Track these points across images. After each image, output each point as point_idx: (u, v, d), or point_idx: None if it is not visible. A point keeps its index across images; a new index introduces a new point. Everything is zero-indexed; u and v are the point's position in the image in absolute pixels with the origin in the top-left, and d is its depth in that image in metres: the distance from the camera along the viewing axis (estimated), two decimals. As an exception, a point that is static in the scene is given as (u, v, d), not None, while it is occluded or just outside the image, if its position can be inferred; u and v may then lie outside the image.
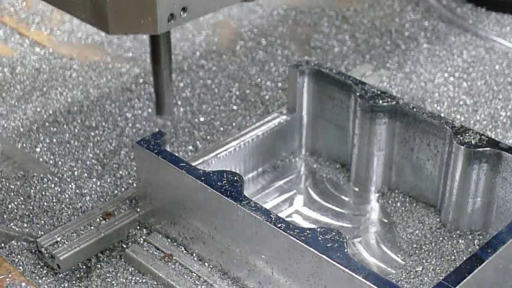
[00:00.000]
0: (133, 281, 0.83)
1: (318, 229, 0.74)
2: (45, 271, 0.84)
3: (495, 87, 1.12)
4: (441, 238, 0.88)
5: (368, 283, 0.70)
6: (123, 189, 0.94)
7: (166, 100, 0.84)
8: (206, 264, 0.84)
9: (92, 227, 0.86)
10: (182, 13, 0.70)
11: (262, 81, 1.13)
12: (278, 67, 1.16)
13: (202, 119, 1.05)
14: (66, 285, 0.83)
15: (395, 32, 1.25)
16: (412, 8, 1.31)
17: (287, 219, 0.76)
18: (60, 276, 0.83)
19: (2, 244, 0.86)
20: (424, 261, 0.85)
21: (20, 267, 0.84)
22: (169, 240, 0.87)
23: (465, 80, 1.14)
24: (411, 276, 0.84)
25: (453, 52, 1.20)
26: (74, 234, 0.85)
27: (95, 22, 0.71)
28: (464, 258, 0.73)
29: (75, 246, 0.83)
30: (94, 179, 0.96)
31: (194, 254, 0.85)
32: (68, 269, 0.83)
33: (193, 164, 0.84)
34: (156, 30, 0.70)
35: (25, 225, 0.89)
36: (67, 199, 0.93)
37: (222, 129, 1.04)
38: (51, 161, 0.98)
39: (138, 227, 0.88)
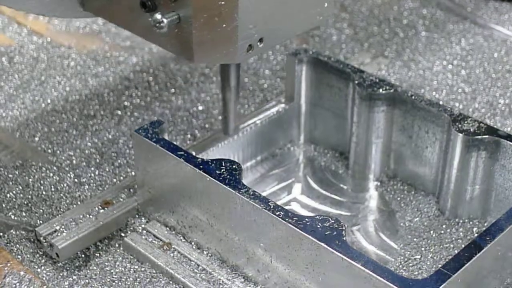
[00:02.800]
0: (132, 269, 0.84)
1: (317, 217, 0.74)
2: (44, 260, 0.84)
3: (493, 74, 1.12)
4: (439, 226, 0.88)
5: (367, 270, 0.70)
6: (121, 178, 0.94)
7: (232, 123, 0.88)
8: (205, 252, 0.84)
9: (91, 216, 0.86)
10: (259, 43, 0.75)
11: (260, 69, 1.13)
12: (276, 55, 1.16)
13: (200, 107, 1.06)
14: (65, 273, 0.83)
15: (394, 20, 1.25)
16: (406, 2, 1.31)
17: (285, 207, 0.76)
18: (59, 265, 0.83)
19: (1, 233, 0.87)
20: (422, 249, 0.86)
21: (19, 256, 0.84)
22: (167, 228, 0.87)
23: (464, 68, 1.14)
24: (410, 264, 0.84)
25: (452, 40, 1.20)
26: (73, 223, 0.85)
27: (179, 52, 0.76)
28: (463, 246, 0.73)
29: (74, 235, 0.84)
30: (92, 168, 0.96)
31: (192, 243, 0.85)
32: (67, 258, 0.84)
33: (192, 152, 0.84)
34: (236, 59, 0.75)
35: (24, 214, 0.89)
36: (66, 188, 0.93)
37: (220, 117, 1.04)
38: (49, 150, 0.98)
39: (137, 216, 0.88)
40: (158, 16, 0.72)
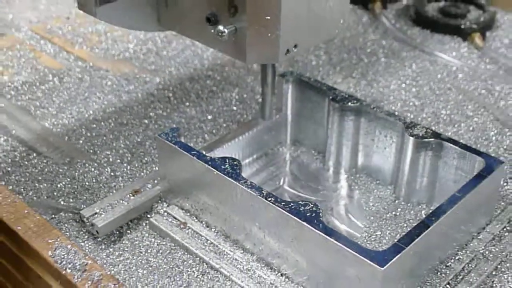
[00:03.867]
0: (155, 243, 0.83)
1: (300, 202, 0.74)
2: (86, 236, 0.84)
3: (437, 91, 1.12)
4: (395, 209, 0.88)
5: (339, 244, 0.70)
6: (148, 172, 0.94)
7: (268, 110, 0.90)
8: (212, 230, 0.84)
9: (124, 202, 0.85)
10: (294, 48, 0.76)
11: (256, 87, 1.12)
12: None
13: (209, 117, 1.05)
14: (103, 246, 0.83)
15: (359, 49, 1.24)
16: (372, 31, 1.31)
17: (275, 194, 0.76)
18: (98, 240, 0.83)
19: (53, 215, 0.86)
20: (382, 227, 0.85)
21: (67, 233, 0.84)
22: (183, 211, 0.87)
23: (414, 86, 1.14)
24: (372, 239, 0.84)
25: (405, 64, 1.20)
26: (109, 207, 0.84)
27: (235, 55, 0.79)
28: (414, 225, 0.73)
29: (110, 216, 0.83)
30: (125, 164, 0.95)
31: (203, 222, 0.85)
32: (105, 234, 0.83)
33: (202, 152, 0.83)
34: (278, 60, 0.77)
35: (71, 200, 0.89)
36: (104, 180, 0.92)
37: (225, 125, 1.04)
38: (91, 150, 0.98)
39: (159, 201, 0.88)
40: (221, 27, 0.74)
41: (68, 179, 0.93)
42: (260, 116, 0.91)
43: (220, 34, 0.74)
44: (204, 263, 0.80)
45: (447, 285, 0.77)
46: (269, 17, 0.72)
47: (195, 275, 0.79)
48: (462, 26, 1.27)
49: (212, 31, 0.75)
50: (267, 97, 0.87)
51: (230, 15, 0.74)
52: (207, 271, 0.79)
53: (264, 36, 0.73)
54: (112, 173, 0.94)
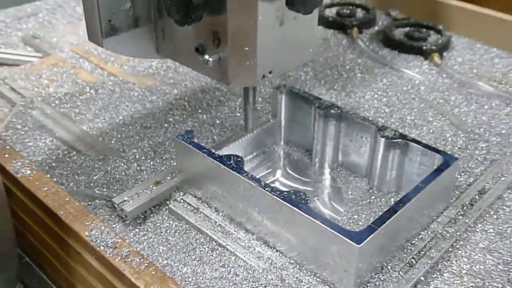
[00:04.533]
0: (173, 225, 0.83)
1: (291, 191, 0.74)
2: (117, 219, 0.83)
3: (403, 101, 1.12)
4: (369, 197, 0.88)
5: (323, 225, 0.70)
6: (167, 166, 0.94)
7: (250, 125, 0.87)
8: (220, 214, 0.84)
9: (147, 191, 0.85)
10: (269, 74, 0.75)
11: (256, 97, 1.12)
12: (266, 88, 1.15)
13: (217, 121, 1.05)
14: (130, 228, 0.82)
15: (340, 66, 1.24)
16: (350, 51, 1.31)
17: (271, 185, 0.76)
18: (126, 222, 0.83)
19: (90, 202, 0.86)
20: (359, 212, 0.85)
21: (101, 217, 0.83)
22: (196, 199, 0.87)
23: (384, 97, 1.14)
24: (351, 222, 0.84)
25: (377, 79, 1.20)
26: (136, 195, 0.84)
27: (219, 79, 0.77)
28: (385, 210, 0.73)
29: (136, 203, 0.83)
30: (149, 160, 0.95)
31: (212, 208, 0.85)
32: (132, 218, 0.83)
33: (212, 150, 0.83)
34: (255, 84, 0.78)
35: (104, 190, 0.89)
36: (131, 173, 0.92)
37: (230, 128, 1.04)
38: (121, 149, 0.98)
39: (177, 191, 0.88)
40: (207, 56, 0.73)
41: (102, 173, 0.92)
42: (244, 129, 0.89)
43: (206, 62, 0.73)
44: (213, 241, 0.80)
45: (412, 259, 0.77)
46: (247, 48, 0.71)
47: (206, 251, 0.79)
48: (424, 48, 1.27)
49: (200, 59, 0.74)
50: (249, 113, 0.85)
51: (214, 46, 0.73)
52: (215, 248, 0.79)
53: (243, 64, 0.72)
54: (138, 168, 0.93)
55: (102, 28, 0.74)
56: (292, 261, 0.76)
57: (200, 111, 1.09)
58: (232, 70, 0.73)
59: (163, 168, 0.94)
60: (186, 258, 0.78)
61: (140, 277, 0.63)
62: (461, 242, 0.81)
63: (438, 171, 0.79)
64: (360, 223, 0.83)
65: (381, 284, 0.73)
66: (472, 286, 0.75)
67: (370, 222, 0.71)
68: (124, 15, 0.75)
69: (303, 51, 0.78)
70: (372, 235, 0.69)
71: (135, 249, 0.66)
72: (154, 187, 0.86)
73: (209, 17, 0.71)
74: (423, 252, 0.78)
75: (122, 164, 0.94)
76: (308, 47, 0.78)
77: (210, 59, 0.73)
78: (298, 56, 0.77)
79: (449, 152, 0.83)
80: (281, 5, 0.69)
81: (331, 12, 1.44)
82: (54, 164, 0.94)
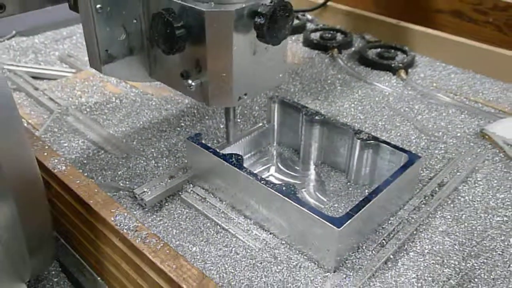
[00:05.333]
0: (185, 212, 0.83)
1: (283, 184, 0.74)
2: (137, 207, 0.83)
3: (375, 109, 1.12)
4: (347, 189, 0.88)
5: (310, 212, 0.69)
6: (180, 163, 0.93)
7: (231, 138, 0.86)
8: (224, 203, 0.84)
9: (163, 183, 0.85)
10: (245, 96, 0.73)
11: (254, 106, 1.12)
12: (262, 99, 1.15)
13: (221, 126, 1.05)
14: (148, 214, 0.82)
15: (323, 80, 1.24)
16: (331, 68, 1.30)
17: (266, 179, 0.76)
18: (145, 209, 0.83)
19: (115, 193, 0.86)
20: (338, 201, 0.85)
21: (124, 205, 0.83)
22: (204, 190, 0.86)
23: (360, 106, 1.13)
24: (332, 209, 0.83)
25: (353, 91, 1.19)
26: (153, 187, 0.84)
27: (201, 100, 0.74)
28: (360, 199, 0.73)
29: (153, 193, 0.83)
30: (164, 158, 0.95)
31: (217, 198, 0.85)
32: (150, 206, 0.83)
33: (217, 150, 0.83)
34: (232, 105, 0.76)
35: (127, 182, 0.88)
36: (150, 169, 0.92)
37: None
38: (141, 148, 0.97)
39: (188, 183, 0.87)
40: (190, 81, 0.71)
41: (125, 168, 0.92)
42: (226, 141, 0.88)
43: (189, 86, 0.71)
44: (218, 226, 0.80)
45: (383, 241, 0.76)
46: (224, 75, 0.69)
47: (212, 234, 0.78)
48: (392, 65, 1.27)
49: (185, 83, 0.72)
50: (230, 129, 0.84)
51: (196, 72, 0.71)
52: (219, 231, 0.79)
53: (221, 88, 0.71)
54: (155, 164, 0.93)
55: (100, 56, 0.72)
56: (283, 242, 0.76)
57: (207, 117, 1.08)
58: (212, 93, 0.71)
59: (176, 164, 0.93)
60: (195, 239, 0.77)
61: (157, 255, 0.62)
62: (424, 227, 0.80)
63: (405, 167, 0.79)
64: (340, 210, 0.83)
65: (357, 261, 0.73)
66: (433, 263, 0.74)
67: (348, 210, 0.71)
68: (120, 45, 0.73)
69: (274, 76, 0.76)
70: (349, 220, 0.69)
71: (152, 232, 0.65)
72: (169, 180, 0.86)
73: (191, 47, 0.69)
74: (392, 235, 0.77)
75: (142, 161, 0.94)
76: (279, 73, 0.77)
77: (193, 83, 0.71)
78: (270, 80, 0.76)
79: (413, 152, 0.83)
80: (253, 37, 0.68)
81: (315, 36, 1.44)
82: (85, 161, 0.94)
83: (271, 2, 0.65)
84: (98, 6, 0.68)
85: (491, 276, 0.72)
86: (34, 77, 1.24)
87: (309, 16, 1.58)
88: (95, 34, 0.70)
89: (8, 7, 0.71)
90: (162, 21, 0.66)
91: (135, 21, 0.72)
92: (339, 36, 1.44)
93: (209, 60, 0.68)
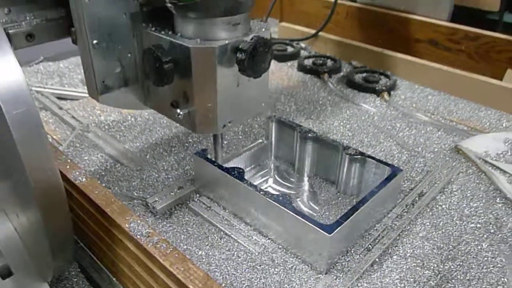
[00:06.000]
0: (191, 219, 0.82)
1: (279, 194, 0.74)
2: (149, 214, 0.83)
3: (362, 127, 1.12)
4: (337, 199, 0.88)
5: (303, 220, 0.69)
6: (188, 175, 0.93)
7: (220, 158, 0.84)
8: (227, 211, 0.83)
9: (173, 193, 0.84)
10: (229, 123, 0.72)
11: (254, 124, 1.12)
12: (261, 118, 1.15)
13: (225, 142, 1.05)
14: (159, 221, 0.81)
15: (315, 101, 1.24)
16: (323, 91, 1.31)
17: (265, 190, 0.75)
18: (157, 216, 0.82)
19: (129, 202, 0.85)
20: (329, 209, 0.85)
21: (138, 213, 0.82)
22: (209, 199, 0.86)
23: (348, 124, 1.13)
24: (324, 217, 0.83)
25: (342, 111, 1.20)
26: (164, 197, 0.83)
27: (189, 127, 0.72)
28: (349, 208, 0.72)
29: (164, 202, 0.83)
30: (174, 171, 0.94)
31: (221, 206, 0.84)
32: (161, 214, 0.82)
33: (221, 163, 0.83)
34: (218, 132, 0.73)
35: (141, 192, 0.88)
36: (161, 180, 0.91)
37: (234, 147, 1.03)
38: (153, 162, 0.97)
39: (195, 193, 0.87)
40: (178, 110, 0.70)
41: (139, 180, 0.91)
42: (214, 160, 0.86)
43: (178, 114, 0.70)
44: (221, 232, 0.79)
45: (369, 245, 0.76)
46: (210, 105, 0.68)
47: (216, 239, 0.78)
48: (376, 88, 1.27)
49: (174, 112, 0.71)
50: (218, 152, 0.82)
51: (184, 102, 0.70)
52: (223, 236, 0.78)
53: (207, 117, 0.69)
54: (166, 176, 0.93)
55: (97, 87, 0.71)
56: (280, 246, 0.75)
57: (211, 135, 1.08)
58: (199, 121, 0.70)
59: (184, 176, 0.93)
60: (201, 244, 0.77)
61: (167, 259, 0.62)
62: (406, 232, 0.80)
63: (388, 179, 0.79)
64: (331, 218, 0.82)
65: (346, 264, 0.73)
66: (414, 265, 0.74)
67: (338, 217, 0.70)
68: (116, 76, 0.71)
69: (257, 105, 0.75)
70: (339, 227, 0.68)
71: (163, 237, 0.65)
72: (178, 191, 0.85)
73: (179, 80, 0.68)
74: (378, 240, 0.77)
75: (154, 173, 0.93)
76: (261, 102, 0.76)
77: (181, 112, 0.69)
78: (253, 108, 0.74)
79: (396, 165, 0.83)
80: (236, 70, 0.67)
81: (308, 62, 1.45)
82: (103, 173, 0.93)
83: (252, 39, 0.65)
84: (95, 41, 0.67)
85: (467, 277, 0.72)
86: (59, 98, 1.24)
87: (303, 44, 1.59)
88: (92, 67, 0.69)
89: (37, 36, 0.71)
90: (152, 56, 0.66)
91: (129, 55, 0.71)
92: (329, 62, 1.45)
93: (195, 92, 0.67)
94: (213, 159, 0.83)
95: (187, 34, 0.65)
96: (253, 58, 0.65)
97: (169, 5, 0.63)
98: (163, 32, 0.67)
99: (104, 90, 0.72)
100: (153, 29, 0.68)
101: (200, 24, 0.64)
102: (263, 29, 0.69)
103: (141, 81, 0.75)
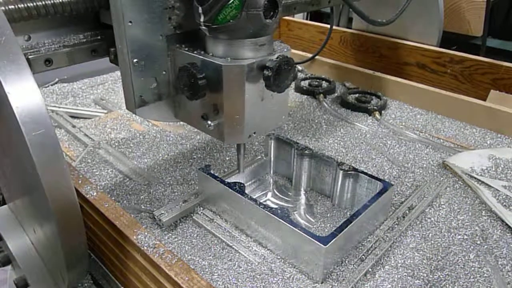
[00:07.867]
0: (195, 231, 0.82)
1: (278, 208, 0.74)
2: (156, 226, 0.83)
3: (355, 144, 1.13)
4: (332, 212, 0.88)
5: (300, 232, 0.69)
6: (192, 189, 0.93)
7: (242, 168, 0.85)
8: (228, 223, 0.83)
9: (178, 206, 0.85)
10: (254, 134, 0.73)
11: (255, 142, 1.13)
12: (261, 136, 1.16)
13: (227, 158, 1.05)
14: (165, 233, 0.82)
15: (311, 120, 1.25)
16: (318, 110, 1.32)
17: (264, 203, 0.76)
18: (163, 228, 0.82)
19: (137, 214, 0.85)
20: (325, 222, 0.85)
21: (144, 225, 0.83)
22: (212, 212, 0.86)
23: (342, 142, 1.14)
24: (319, 229, 0.83)
25: (337, 129, 1.20)
26: (170, 210, 0.84)
27: (218, 137, 0.73)
28: (343, 220, 0.72)
29: (170, 215, 0.83)
30: (179, 185, 0.95)
31: (223, 218, 0.84)
32: (167, 226, 0.83)
33: (223, 179, 0.83)
34: (244, 141, 0.73)
35: (148, 205, 0.88)
36: (167, 194, 0.92)
37: (235, 163, 1.04)
38: (160, 177, 0.98)
39: (198, 206, 0.87)
40: (209, 122, 0.72)
41: (147, 193, 0.92)
42: (238, 169, 0.88)
43: (208, 126, 0.72)
44: (223, 243, 0.79)
45: (363, 256, 0.76)
46: (238, 117, 0.70)
47: (218, 250, 0.78)
48: (368, 108, 1.28)
49: (205, 123, 0.73)
50: (240, 160, 0.84)
51: (215, 114, 0.72)
52: (225, 247, 0.78)
53: (234, 128, 0.71)
54: (171, 190, 0.93)
55: (135, 101, 0.73)
56: (278, 257, 0.76)
57: (215, 151, 1.09)
58: (227, 131, 0.72)
59: (189, 190, 0.93)
60: (204, 254, 0.77)
61: (172, 269, 0.62)
62: (397, 244, 0.80)
63: (380, 193, 0.80)
64: (326, 230, 0.82)
65: (341, 273, 0.73)
66: (405, 275, 0.74)
67: (333, 230, 0.70)
68: (151, 92, 0.74)
69: (279, 118, 0.77)
70: (334, 239, 0.68)
71: (168, 249, 0.65)
72: (183, 204, 0.86)
73: (210, 94, 0.71)
74: (370, 251, 0.77)
75: (161, 188, 0.94)
76: (282, 115, 0.78)
77: (212, 124, 0.72)
78: (275, 121, 0.77)
79: (387, 180, 0.84)
80: (262, 86, 0.70)
81: (305, 83, 1.47)
82: (113, 187, 0.94)
83: (277, 58, 0.67)
84: (135, 60, 0.70)
85: (455, 287, 0.72)
86: (73, 117, 1.25)
87: (299, 67, 1.61)
88: (132, 83, 0.72)
89: (55, 61, 0.73)
90: (187, 73, 0.69)
91: (164, 72, 0.74)
92: (325, 84, 1.46)
93: (225, 105, 0.70)
94: (216, 175, 0.83)
95: (218, 54, 0.68)
96: (278, 75, 0.68)
97: (203, 27, 0.66)
98: (195, 52, 0.70)
99: (141, 104, 0.75)
100: (186, 49, 0.71)
101: (230, 45, 0.66)
102: (285, 50, 0.71)
103: (173, 96, 0.78)
